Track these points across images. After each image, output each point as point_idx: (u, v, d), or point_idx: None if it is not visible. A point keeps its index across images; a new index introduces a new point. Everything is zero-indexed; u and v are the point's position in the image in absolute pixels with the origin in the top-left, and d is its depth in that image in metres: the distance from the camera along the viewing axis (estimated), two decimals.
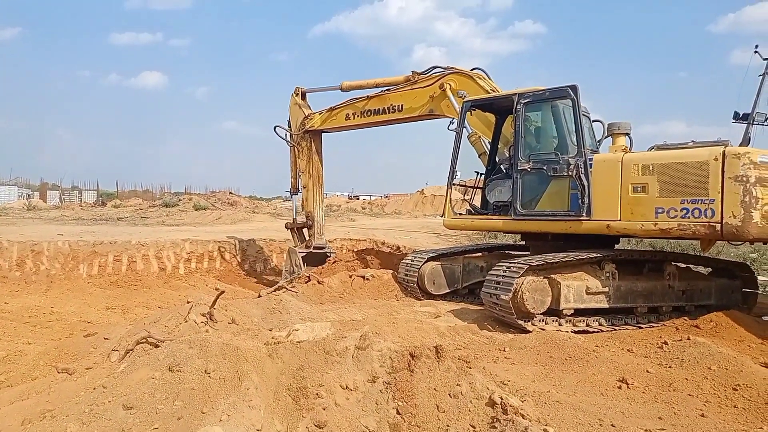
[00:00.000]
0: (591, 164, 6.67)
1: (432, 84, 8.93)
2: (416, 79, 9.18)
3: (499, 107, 8.05)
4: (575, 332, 6.16)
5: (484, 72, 8.61)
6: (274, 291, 8.02)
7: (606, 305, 6.48)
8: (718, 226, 5.80)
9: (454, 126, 8.23)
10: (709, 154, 5.93)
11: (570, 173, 6.72)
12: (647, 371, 4.66)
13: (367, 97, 9.81)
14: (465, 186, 8.69)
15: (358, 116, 9.96)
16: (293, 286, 8.34)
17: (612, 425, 3.42)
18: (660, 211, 6.16)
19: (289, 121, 11.20)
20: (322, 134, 10.98)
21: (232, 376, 3.27)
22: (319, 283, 8.49)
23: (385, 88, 9.61)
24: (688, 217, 5.98)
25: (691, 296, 7.02)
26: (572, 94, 6.78)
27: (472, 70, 8.66)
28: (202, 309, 4.67)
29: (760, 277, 9.39)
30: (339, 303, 7.71)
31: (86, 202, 33.97)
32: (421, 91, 9.09)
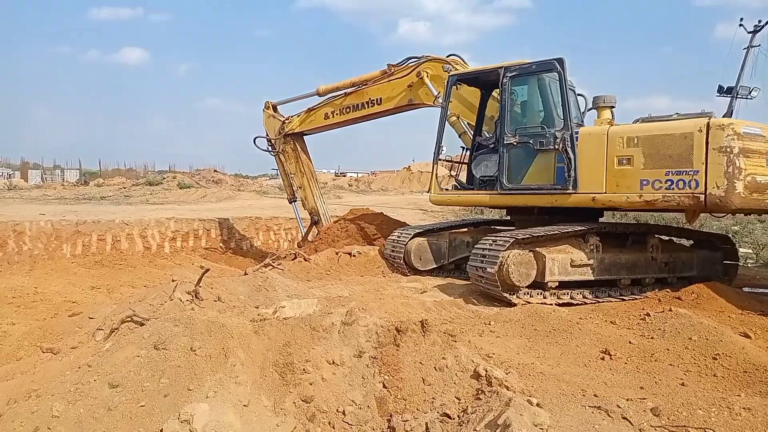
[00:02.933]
0: (577, 137, 6.67)
1: (409, 73, 8.91)
2: (392, 71, 9.16)
3: (485, 81, 7.98)
4: (559, 305, 6.24)
5: (460, 58, 8.61)
6: (260, 268, 7.99)
7: (590, 278, 6.55)
8: (702, 197, 5.85)
9: (440, 101, 8.18)
10: (693, 126, 5.95)
11: (556, 147, 6.71)
12: (629, 342, 4.73)
13: (345, 93, 9.75)
14: (451, 162, 8.69)
15: (337, 114, 9.91)
16: (279, 264, 8.31)
17: (594, 395, 3.47)
18: (645, 183, 6.19)
19: (267, 136, 11.16)
20: (304, 137, 10.93)
21: (218, 353, 3.26)
22: (305, 260, 8.48)
23: (362, 85, 9.55)
24: (673, 189, 6.02)
25: (673, 268, 7.12)
26: (559, 67, 6.75)
27: (448, 56, 8.64)
28: (187, 287, 4.65)
29: (740, 249, 9.56)
30: (325, 280, 7.71)
31: (68, 181, 33.55)
32: (398, 82, 9.06)
